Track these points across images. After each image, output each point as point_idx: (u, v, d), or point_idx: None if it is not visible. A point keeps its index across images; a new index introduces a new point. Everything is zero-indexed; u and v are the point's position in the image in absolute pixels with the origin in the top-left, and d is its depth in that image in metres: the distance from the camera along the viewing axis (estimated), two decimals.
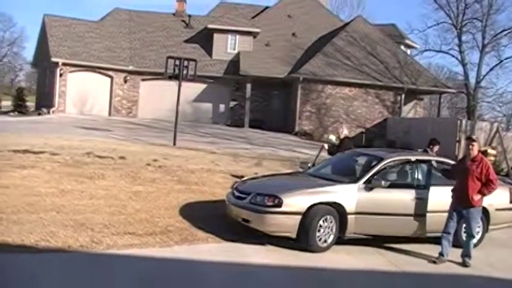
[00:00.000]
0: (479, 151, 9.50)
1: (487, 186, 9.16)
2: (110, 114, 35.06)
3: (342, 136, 12.89)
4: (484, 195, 9.22)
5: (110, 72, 34.97)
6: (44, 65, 36.29)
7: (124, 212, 10.04)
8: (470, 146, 9.32)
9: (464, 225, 9.60)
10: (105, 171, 13.34)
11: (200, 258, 8.12)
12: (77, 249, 7.81)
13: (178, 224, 9.63)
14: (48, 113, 32.50)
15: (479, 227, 9.98)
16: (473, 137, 9.76)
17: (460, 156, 11.65)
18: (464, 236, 9.64)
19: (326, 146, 13.08)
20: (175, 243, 8.60)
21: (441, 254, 9.27)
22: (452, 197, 9.43)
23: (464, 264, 9.20)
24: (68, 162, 14.01)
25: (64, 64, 33.00)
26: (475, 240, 9.66)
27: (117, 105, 35.49)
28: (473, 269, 9.03)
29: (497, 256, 10.12)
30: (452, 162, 10.53)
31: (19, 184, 11.16)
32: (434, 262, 9.17)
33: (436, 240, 9.59)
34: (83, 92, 33.74)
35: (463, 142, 24.37)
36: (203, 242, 8.91)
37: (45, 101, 35.08)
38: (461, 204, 9.20)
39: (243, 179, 10.98)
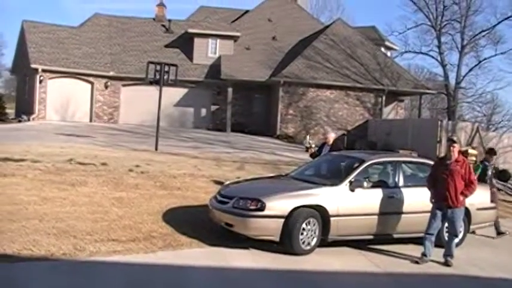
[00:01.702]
0: (459, 152, 9.61)
1: (468, 188, 9.32)
2: (91, 120, 34.85)
3: (331, 141, 12.78)
4: (466, 196, 9.36)
5: (91, 78, 34.75)
6: (23, 72, 36.00)
7: (107, 218, 10.01)
8: (452, 148, 9.40)
9: (446, 225, 9.72)
10: (87, 178, 13.28)
11: (184, 263, 8.12)
12: (60, 257, 7.77)
13: (161, 230, 9.62)
14: (29, 120, 32.23)
15: (461, 226, 10.11)
16: (454, 138, 9.81)
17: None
18: (446, 235, 9.74)
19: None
20: (159, 249, 8.58)
21: (424, 254, 9.35)
22: (433, 197, 9.50)
23: (446, 264, 9.29)
24: (49, 169, 13.91)
25: (44, 70, 32.74)
26: (457, 240, 9.76)
27: (98, 111, 35.28)
28: (455, 269, 9.13)
29: (478, 255, 10.25)
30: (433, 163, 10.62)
31: (0, 192, 11.08)
32: (416, 262, 9.24)
33: (419, 241, 9.68)
34: (63, 98, 33.49)
35: (444, 142, 24.62)
36: (187, 247, 8.90)
37: (25, 108, 34.79)
38: (445, 205, 9.26)
39: (225, 183, 10.96)
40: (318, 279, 8.13)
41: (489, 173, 12.58)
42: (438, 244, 9.55)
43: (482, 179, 11.90)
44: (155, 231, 9.50)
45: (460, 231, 10.05)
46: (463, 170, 9.28)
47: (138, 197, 12.00)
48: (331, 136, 12.90)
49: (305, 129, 32.82)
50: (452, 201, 9.22)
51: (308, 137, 12.99)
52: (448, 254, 9.40)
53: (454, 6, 43.16)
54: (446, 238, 9.68)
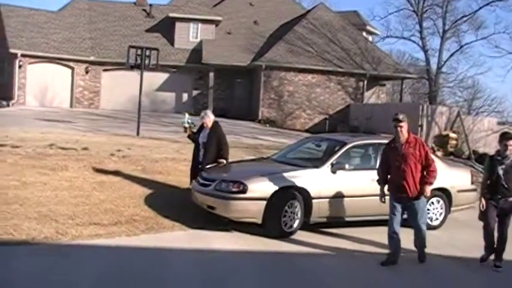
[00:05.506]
0: (409, 131, 8.12)
1: (429, 173, 7.93)
2: (71, 105, 34.62)
3: (209, 124, 10.93)
4: (431, 184, 8.02)
5: (71, 63, 34.49)
6: (2, 57, 35.55)
7: (88, 202, 9.97)
8: (399, 128, 7.91)
9: (410, 217, 8.31)
10: (68, 162, 13.19)
11: (166, 246, 8.14)
12: (42, 241, 7.74)
13: (143, 213, 9.60)
14: (8, 105, 31.88)
15: (442, 208, 10.21)
16: (400, 116, 7.96)
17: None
18: (415, 228, 8.34)
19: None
20: (141, 232, 8.59)
21: (392, 254, 8.19)
22: (389, 189, 8.19)
23: (420, 259, 8.35)
24: (30, 154, 13.81)
25: (23, 55, 32.41)
26: (437, 222, 9.81)
27: (78, 97, 35.04)
28: (436, 249, 9.10)
29: (459, 236, 10.30)
30: None
31: None
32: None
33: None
34: (43, 83, 33.22)
35: (425, 127, 24.83)
36: (169, 230, 8.92)
37: (4, 93, 34.35)
38: (404, 196, 7.93)
39: (207, 166, 10.88)
40: (300, 261, 8.16)
41: None
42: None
43: None
44: (137, 214, 9.49)
45: (441, 213, 10.12)
46: (418, 151, 7.85)
47: (119, 181, 11.95)
48: (210, 119, 10.97)
49: (286, 113, 32.89)
50: (412, 191, 7.85)
51: (187, 115, 11.32)
52: (421, 246, 8.32)
53: None
54: (413, 236, 8.38)
